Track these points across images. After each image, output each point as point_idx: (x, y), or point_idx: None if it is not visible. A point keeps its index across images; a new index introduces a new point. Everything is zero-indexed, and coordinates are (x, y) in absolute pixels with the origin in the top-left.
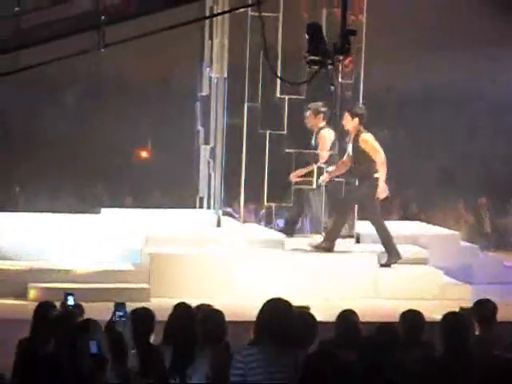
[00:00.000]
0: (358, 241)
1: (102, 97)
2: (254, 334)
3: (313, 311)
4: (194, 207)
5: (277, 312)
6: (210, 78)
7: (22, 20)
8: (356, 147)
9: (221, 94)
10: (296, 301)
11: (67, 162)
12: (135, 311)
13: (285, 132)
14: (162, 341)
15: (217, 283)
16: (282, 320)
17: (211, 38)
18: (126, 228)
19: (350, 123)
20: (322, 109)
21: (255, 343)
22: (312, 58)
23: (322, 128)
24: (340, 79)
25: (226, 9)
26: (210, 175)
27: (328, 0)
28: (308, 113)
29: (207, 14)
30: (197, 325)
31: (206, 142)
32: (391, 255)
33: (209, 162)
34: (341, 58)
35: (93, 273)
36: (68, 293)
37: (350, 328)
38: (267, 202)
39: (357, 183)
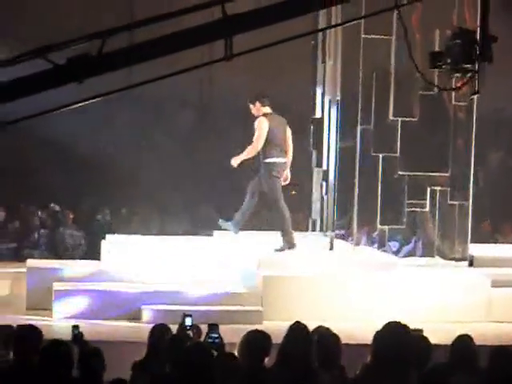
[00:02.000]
0: (471, 264)
1: (212, 120)
2: (371, 358)
3: (426, 334)
4: (307, 230)
5: (395, 335)
6: (323, 100)
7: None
8: (254, 130)
9: (333, 116)
10: (409, 323)
11: (177, 183)
12: (251, 334)
13: (398, 154)
14: (275, 364)
15: (330, 306)
16: (400, 344)
17: (324, 60)
18: (239, 250)
19: (253, 110)
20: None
21: (372, 367)
22: (465, 66)
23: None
24: (453, 101)
25: (339, 29)
26: (322, 198)
27: (441, 21)
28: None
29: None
30: (313, 347)
31: (319, 165)
32: (285, 242)
33: (321, 185)
34: (485, 65)
35: (206, 295)
36: (186, 314)
37: (465, 352)
38: (380, 224)
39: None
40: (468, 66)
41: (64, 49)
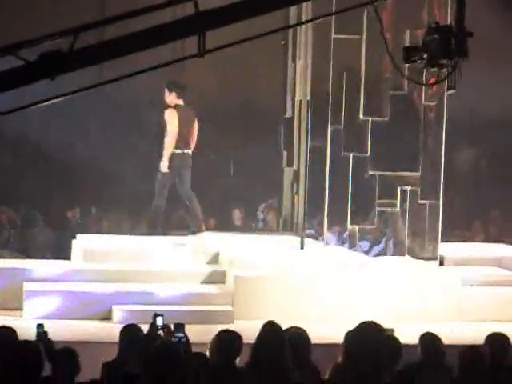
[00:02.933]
0: (441, 263)
1: None
2: (343, 357)
3: (396, 334)
4: (278, 229)
5: (368, 335)
6: (294, 100)
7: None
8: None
9: (304, 116)
10: (380, 323)
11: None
12: (222, 333)
13: (368, 154)
14: (247, 363)
15: (301, 306)
16: (373, 343)
17: (294, 60)
18: (210, 249)
19: (167, 97)
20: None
21: (344, 366)
22: (443, 61)
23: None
24: (423, 101)
25: (310, 29)
26: (293, 197)
27: (412, 21)
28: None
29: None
30: (287, 347)
31: (290, 165)
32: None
33: (292, 185)
34: (460, 60)
35: (177, 295)
36: (157, 313)
37: (433, 351)
38: (350, 224)
39: None
40: (445, 61)
41: (36, 45)
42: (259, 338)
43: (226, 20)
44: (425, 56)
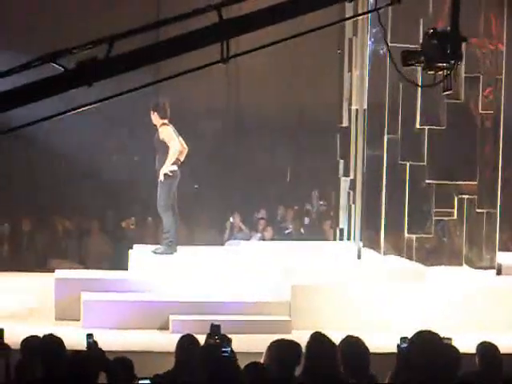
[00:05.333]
0: (499, 272)
1: (240, 129)
2: (400, 366)
3: (454, 343)
4: (335, 239)
5: (428, 344)
6: (350, 109)
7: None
8: (157, 138)
9: (360, 125)
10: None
11: (204, 193)
12: (280, 342)
13: (425, 163)
14: (302, 373)
15: (358, 315)
16: (432, 352)
17: (350, 69)
18: (266, 260)
19: (152, 117)
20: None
21: (402, 376)
22: (440, 64)
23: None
24: (480, 110)
25: (366, 38)
26: (350, 207)
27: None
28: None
29: (346, 41)
30: (340, 357)
31: (346, 174)
32: (166, 246)
33: (349, 194)
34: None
35: (234, 305)
36: (214, 324)
37: (491, 361)
38: (408, 233)
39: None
40: (442, 64)
41: (73, 54)
42: (308, 347)
43: (250, 27)
44: (422, 59)
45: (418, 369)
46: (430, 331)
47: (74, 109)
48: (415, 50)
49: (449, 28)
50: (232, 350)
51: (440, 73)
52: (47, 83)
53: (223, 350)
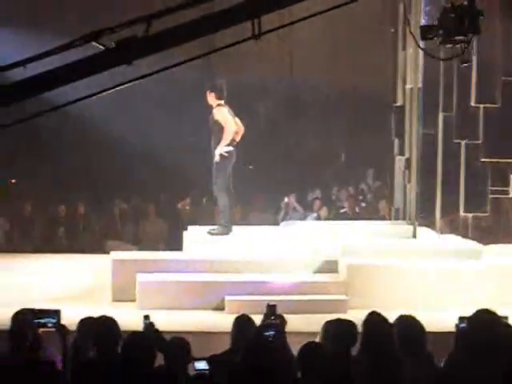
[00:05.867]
0: None
1: (294, 108)
2: (460, 344)
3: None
4: (390, 218)
5: (487, 322)
6: (405, 88)
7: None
8: (211, 119)
9: (415, 104)
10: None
11: (259, 174)
12: (337, 322)
13: (480, 141)
14: (358, 352)
15: (414, 294)
16: (491, 330)
17: (405, 48)
18: (323, 239)
19: (208, 98)
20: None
21: (461, 354)
22: (457, 38)
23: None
24: None
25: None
26: (405, 186)
27: None
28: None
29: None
30: (394, 334)
31: (401, 153)
32: (222, 227)
33: (404, 173)
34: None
35: (290, 285)
36: (271, 304)
37: None
38: (464, 212)
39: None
40: (460, 37)
41: (115, 32)
42: (366, 327)
43: (280, 4)
44: (440, 33)
45: (477, 348)
46: (488, 310)
47: (95, 93)
48: (433, 25)
49: (466, 2)
50: (278, 335)
51: (458, 46)
52: (88, 62)
53: (265, 333)
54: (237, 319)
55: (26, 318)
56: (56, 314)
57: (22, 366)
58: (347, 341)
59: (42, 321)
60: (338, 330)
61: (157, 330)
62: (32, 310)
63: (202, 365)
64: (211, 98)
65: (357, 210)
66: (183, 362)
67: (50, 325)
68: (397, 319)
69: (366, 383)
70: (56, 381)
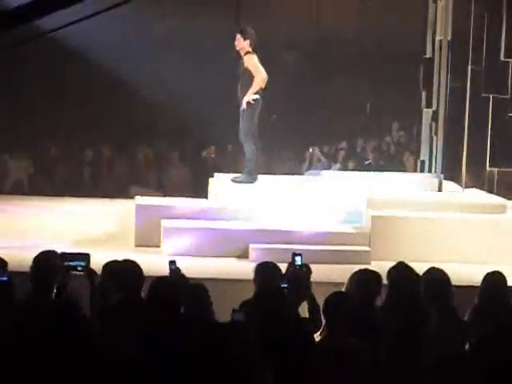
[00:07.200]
0: None
1: (320, 59)
2: (479, 299)
3: None
4: (415, 171)
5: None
6: (434, 40)
7: None
8: (241, 65)
9: (444, 56)
10: None
11: (284, 124)
12: (362, 272)
13: (508, 96)
14: (384, 302)
15: (437, 247)
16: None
17: (435, 0)
18: (347, 190)
19: (241, 44)
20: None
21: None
22: None
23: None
24: None
25: None
26: (431, 139)
27: None
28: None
29: None
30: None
31: (429, 106)
32: (246, 175)
33: (431, 126)
34: None
35: (314, 234)
36: (296, 253)
37: None
38: (489, 166)
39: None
40: None
41: None
42: (392, 277)
43: None
44: None
45: (493, 302)
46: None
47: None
48: None
49: None
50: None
51: None
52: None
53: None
54: (263, 266)
55: (53, 260)
56: (85, 257)
57: (48, 307)
58: (373, 290)
59: (72, 264)
60: (364, 278)
61: (183, 276)
62: (62, 253)
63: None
64: (243, 44)
65: (381, 162)
66: (203, 308)
67: (79, 268)
68: (426, 272)
69: (392, 333)
70: (82, 325)
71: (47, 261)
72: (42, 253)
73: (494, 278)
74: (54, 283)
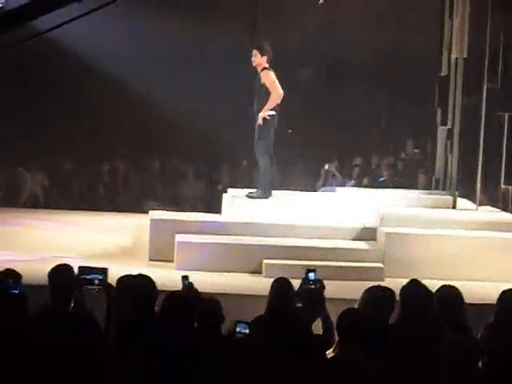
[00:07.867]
0: None
1: (336, 74)
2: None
3: None
4: (430, 188)
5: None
6: (450, 57)
7: None
8: (258, 81)
9: (460, 74)
10: None
11: (299, 140)
12: (375, 289)
13: None
14: (397, 319)
15: (451, 265)
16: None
17: (451, 16)
18: (362, 207)
19: (258, 60)
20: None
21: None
22: None
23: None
24: None
25: None
26: (446, 157)
27: None
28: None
29: None
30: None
31: (444, 123)
32: (261, 190)
33: (446, 144)
34: None
35: (327, 250)
36: (310, 269)
37: None
38: (504, 184)
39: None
40: None
41: None
42: (405, 294)
43: None
44: None
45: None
46: None
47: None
48: None
49: None
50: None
51: None
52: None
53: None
54: (276, 282)
55: (71, 273)
56: (103, 271)
57: (64, 319)
58: (386, 307)
59: (88, 277)
60: (377, 295)
61: (196, 291)
62: (79, 267)
63: (242, 328)
64: (260, 60)
65: (396, 179)
66: (216, 322)
67: (96, 282)
68: (439, 289)
69: (404, 349)
70: (98, 338)
71: (66, 274)
72: (59, 266)
73: None
74: (72, 296)
